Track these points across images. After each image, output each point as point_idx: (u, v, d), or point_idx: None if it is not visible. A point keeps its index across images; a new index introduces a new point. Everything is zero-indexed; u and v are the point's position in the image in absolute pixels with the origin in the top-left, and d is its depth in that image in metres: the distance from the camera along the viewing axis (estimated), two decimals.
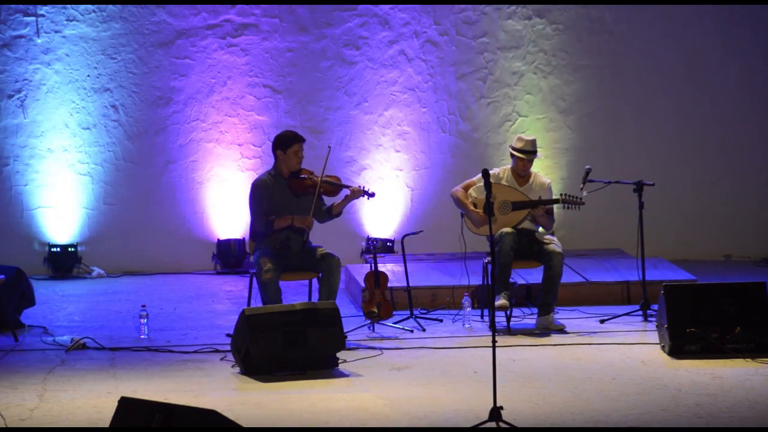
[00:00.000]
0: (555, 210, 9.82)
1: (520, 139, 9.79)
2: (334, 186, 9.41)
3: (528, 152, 9.71)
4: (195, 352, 8.88)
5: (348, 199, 9.41)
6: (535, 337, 9.34)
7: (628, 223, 11.07)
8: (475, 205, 9.77)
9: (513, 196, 9.71)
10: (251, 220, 9.37)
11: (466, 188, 9.84)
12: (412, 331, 9.53)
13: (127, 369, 8.39)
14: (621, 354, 8.70)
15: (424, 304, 10.48)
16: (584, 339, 9.23)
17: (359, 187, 9.41)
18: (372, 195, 9.43)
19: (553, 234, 9.91)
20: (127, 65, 12.58)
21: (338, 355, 8.34)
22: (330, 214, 9.45)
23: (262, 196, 9.32)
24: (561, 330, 9.48)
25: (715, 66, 13.22)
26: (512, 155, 9.79)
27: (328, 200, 9.53)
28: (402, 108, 12.93)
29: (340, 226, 12.27)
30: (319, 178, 9.33)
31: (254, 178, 9.54)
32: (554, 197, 9.78)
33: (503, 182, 9.77)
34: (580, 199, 9.77)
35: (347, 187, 9.41)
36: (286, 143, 9.35)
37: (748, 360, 8.39)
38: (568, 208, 9.79)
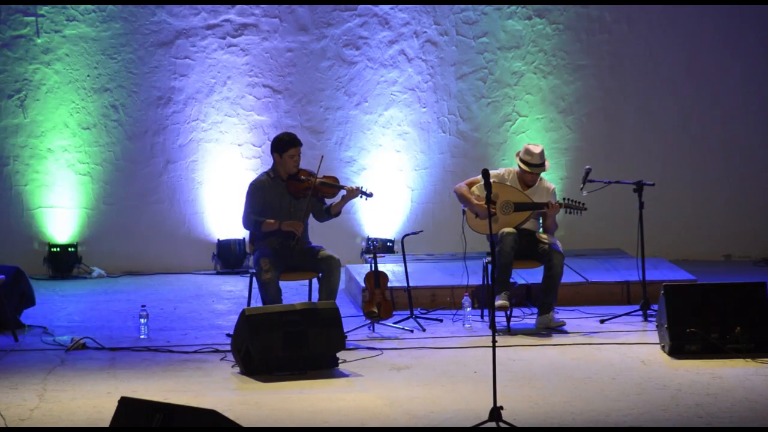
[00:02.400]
0: None
1: (528, 152, 9.60)
2: (332, 187, 9.40)
3: (535, 166, 9.61)
4: (195, 352, 8.88)
5: (345, 199, 9.40)
6: (535, 337, 9.34)
7: (628, 223, 11.06)
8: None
9: (516, 197, 9.69)
10: (242, 216, 9.35)
11: (470, 186, 9.81)
12: (412, 331, 9.53)
13: (127, 369, 8.39)
14: (621, 354, 8.70)
15: (424, 304, 10.48)
16: (584, 339, 9.23)
17: (357, 187, 9.41)
18: (370, 195, 9.42)
19: (553, 234, 9.90)
20: (127, 65, 12.58)
21: (338, 355, 8.34)
22: (329, 213, 9.46)
23: (255, 196, 9.32)
24: (562, 326, 9.46)
25: (715, 66, 13.21)
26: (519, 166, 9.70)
27: (328, 200, 9.52)
28: (402, 108, 12.92)
29: (340, 226, 12.28)
30: (316, 180, 9.33)
31: (253, 178, 9.55)
32: (558, 201, 9.73)
33: (507, 183, 9.74)
34: (583, 204, 9.71)
35: (344, 187, 9.40)
36: (282, 147, 9.33)
37: (748, 360, 8.38)
38: (570, 212, 9.78)
